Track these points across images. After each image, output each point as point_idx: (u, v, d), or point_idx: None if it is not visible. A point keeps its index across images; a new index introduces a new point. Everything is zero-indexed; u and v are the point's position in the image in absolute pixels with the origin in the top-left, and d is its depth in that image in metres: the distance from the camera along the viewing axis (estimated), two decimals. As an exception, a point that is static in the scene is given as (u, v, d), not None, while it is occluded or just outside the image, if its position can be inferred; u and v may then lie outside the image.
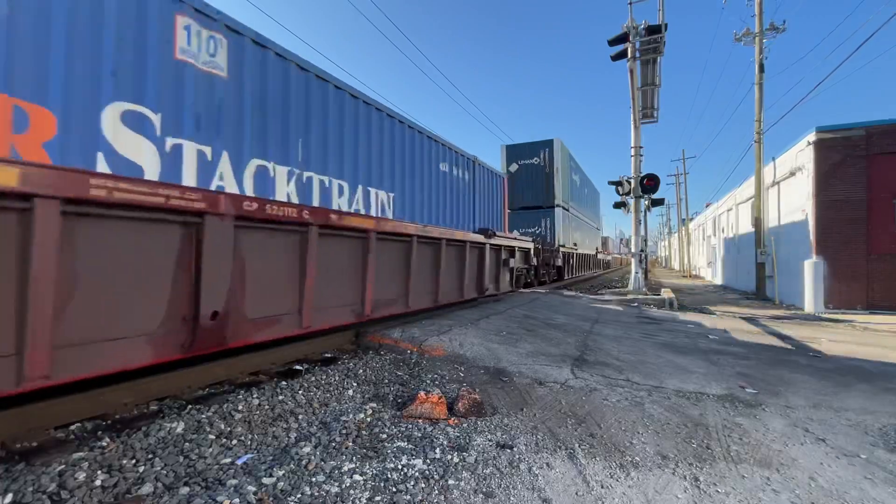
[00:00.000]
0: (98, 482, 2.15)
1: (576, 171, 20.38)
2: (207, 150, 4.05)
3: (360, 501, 2.07)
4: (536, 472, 2.41)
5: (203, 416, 2.98)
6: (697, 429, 3.10)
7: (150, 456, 2.44)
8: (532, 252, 11.53)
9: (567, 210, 17.99)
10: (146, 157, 3.53)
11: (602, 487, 2.28)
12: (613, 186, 14.01)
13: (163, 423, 2.81)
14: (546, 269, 15.15)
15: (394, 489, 2.19)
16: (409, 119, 7.40)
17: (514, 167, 17.50)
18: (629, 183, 13.68)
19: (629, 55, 13.33)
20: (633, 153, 13.85)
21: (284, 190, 4.86)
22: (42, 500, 1.98)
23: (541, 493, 2.21)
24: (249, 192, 4.44)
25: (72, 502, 2.00)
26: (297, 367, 4.25)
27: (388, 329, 5.61)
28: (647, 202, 14.08)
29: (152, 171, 3.56)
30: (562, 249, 16.71)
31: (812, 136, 10.46)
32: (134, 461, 2.38)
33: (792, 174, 11.83)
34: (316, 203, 5.29)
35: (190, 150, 3.88)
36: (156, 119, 3.59)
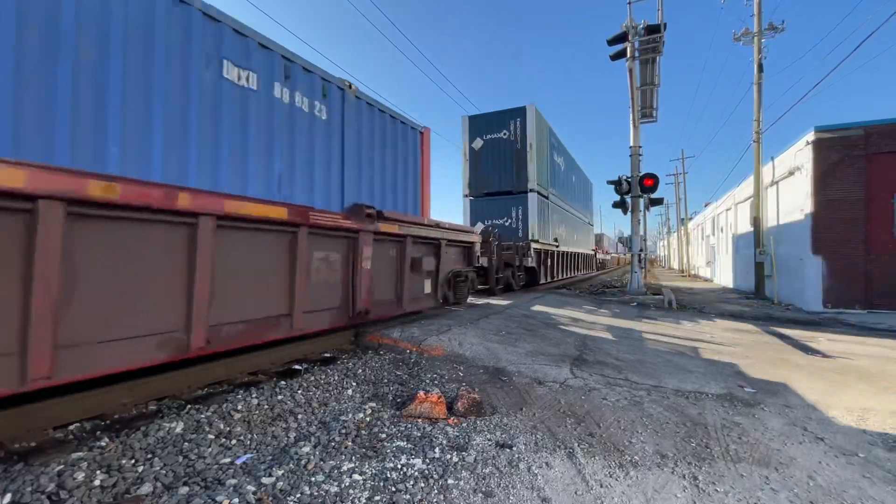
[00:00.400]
0: (97, 482, 2.15)
1: (559, 151, 16.43)
2: None
3: (359, 501, 2.07)
4: (536, 472, 2.41)
5: (202, 415, 2.98)
6: (696, 428, 3.11)
7: (149, 456, 2.44)
8: (477, 248, 8.17)
9: (546, 198, 14.23)
10: None
11: (601, 487, 2.29)
12: (612, 186, 14.01)
13: (162, 423, 2.81)
14: (511, 271, 11.70)
15: (393, 489, 2.19)
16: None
17: (477, 143, 13.91)
18: (628, 182, 13.68)
19: (628, 55, 13.33)
20: (631, 153, 13.85)
21: None
22: (41, 500, 1.98)
23: (540, 493, 2.21)
24: None
25: (71, 502, 2.00)
26: (297, 367, 4.25)
27: (387, 329, 5.61)
28: (646, 202, 14.08)
29: None
30: (534, 245, 12.86)
31: (811, 136, 10.47)
32: (133, 461, 2.37)
33: (791, 174, 11.84)
34: None
35: None
36: None
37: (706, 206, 29.31)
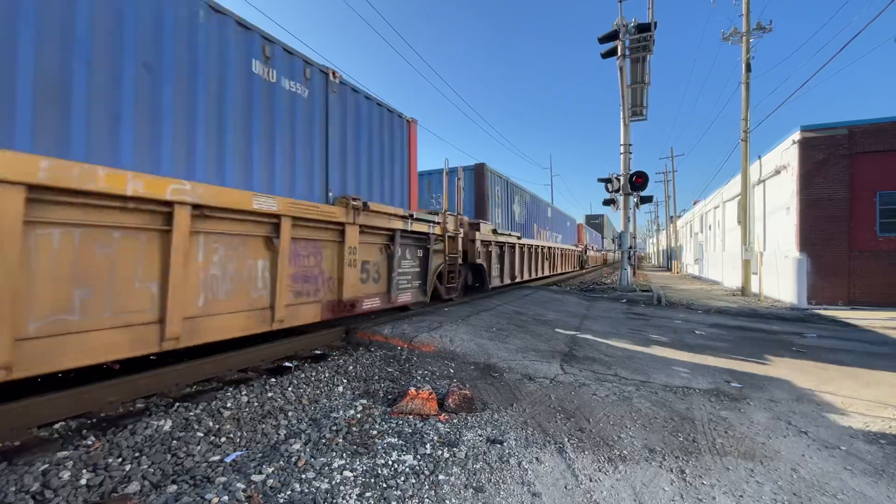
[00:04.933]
0: (83, 481, 2.12)
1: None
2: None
3: (350, 497, 2.07)
4: (526, 467, 2.43)
5: (191, 413, 2.94)
6: (684, 422, 3.15)
7: (136, 454, 2.41)
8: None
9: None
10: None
11: (590, 481, 2.31)
12: (602, 183, 14.09)
13: (150, 420, 2.77)
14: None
15: (384, 485, 2.19)
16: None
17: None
18: (618, 180, 13.77)
19: (619, 53, 13.40)
20: (622, 151, 13.94)
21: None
22: (25, 500, 1.95)
23: (530, 488, 2.23)
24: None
25: (56, 502, 1.97)
26: (287, 364, 4.22)
27: (378, 326, 5.59)
28: (635, 199, 14.20)
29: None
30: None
31: (797, 135, 10.64)
32: (120, 459, 2.34)
33: (777, 172, 12.03)
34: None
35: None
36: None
37: (695, 203, 29.67)
